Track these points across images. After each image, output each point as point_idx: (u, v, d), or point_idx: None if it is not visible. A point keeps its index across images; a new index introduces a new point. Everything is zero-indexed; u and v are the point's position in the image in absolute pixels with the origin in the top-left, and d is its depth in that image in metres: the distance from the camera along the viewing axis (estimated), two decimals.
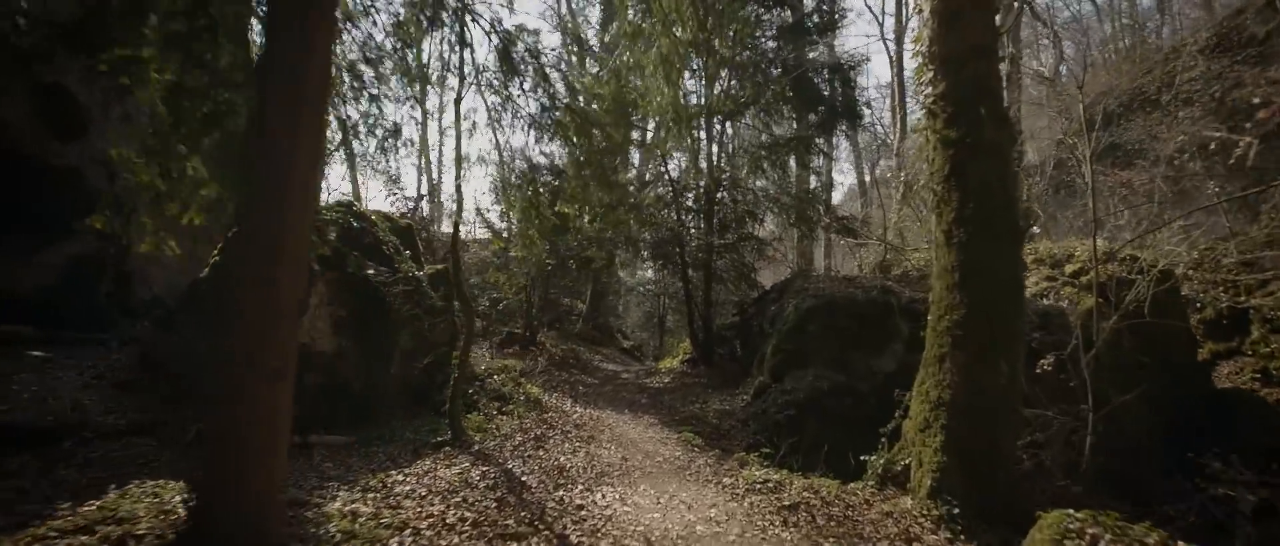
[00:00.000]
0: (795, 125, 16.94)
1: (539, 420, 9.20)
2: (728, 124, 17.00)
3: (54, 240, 10.79)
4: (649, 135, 18.22)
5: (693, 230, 17.47)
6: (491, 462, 6.96)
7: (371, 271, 9.40)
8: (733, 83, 16.07)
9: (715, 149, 16.57)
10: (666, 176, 16.99)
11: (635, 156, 19.26)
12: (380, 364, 9.60)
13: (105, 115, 11.69)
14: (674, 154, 17.20)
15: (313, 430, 8.45)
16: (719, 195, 16.38)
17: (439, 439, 7.74)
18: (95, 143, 11.48)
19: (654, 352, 25.05)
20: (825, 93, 14.54)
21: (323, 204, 10.22)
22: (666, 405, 11.44)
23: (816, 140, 16.51)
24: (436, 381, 9.93)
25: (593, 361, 17.92)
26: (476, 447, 7.58)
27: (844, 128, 15.20)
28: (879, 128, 25.21)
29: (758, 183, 16.73)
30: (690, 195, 17.00)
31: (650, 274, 27.88)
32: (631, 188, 18.19)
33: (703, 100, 16.44)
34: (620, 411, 10.87)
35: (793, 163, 15.92)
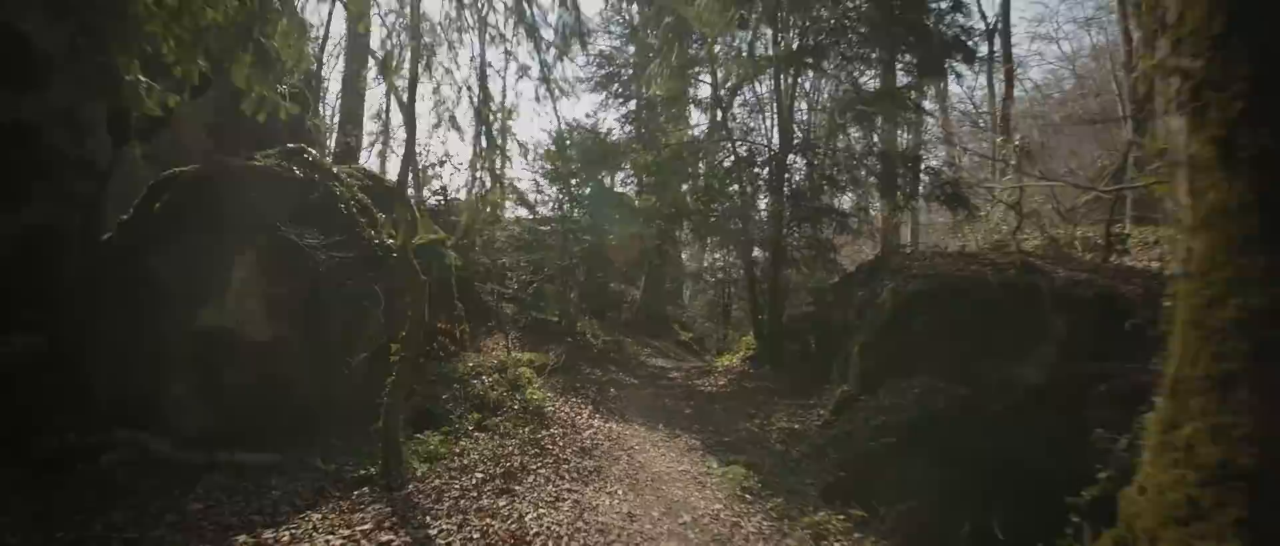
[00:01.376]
0: (883, 73, 13.63)
1: (529, 441, 6.62)
2: (801, 76, 13.87)
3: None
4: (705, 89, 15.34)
5: (761, 204, 14.49)
6: (411, 521, 4.40)
7: (319, 240, 7.05)
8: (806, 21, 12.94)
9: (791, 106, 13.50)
10: (729, 138, 14.05)
11: (695, 118, 16.34)
12: (336, 360, 7.26)
13: (73, 63, 9.91)
14: (737, 112, 14.23)
15: (234, 444, 6.21)
16: (791, 160, 13.33)
17: (365, 470, 5.27)
18: (58, 96, 9.68)
19: (717, 345, 22.14)
20: (927, 22, 11.23)
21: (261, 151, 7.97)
22: (716, 419, 8.65)
23: (911, 95, 13.15)
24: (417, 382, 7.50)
25: (638, 356, 15.23)
26: (410, 488, 5.06)
27: (954, 64, 11.77)
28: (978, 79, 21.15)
29: (839, 144, 13.53)
30: (758, 160, 14.02)
31: (717, 258, 24.95)
32: (687, 156, 15.37)
33: (769, 50, 13.39)
34: (653, 426, 8.17)
35: (880, 121, 12.68)
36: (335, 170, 7.91)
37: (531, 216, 15.84)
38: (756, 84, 14.23)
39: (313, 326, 7.12)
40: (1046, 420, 6.10)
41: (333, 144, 17.35)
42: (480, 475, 5.51)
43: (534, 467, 5.91)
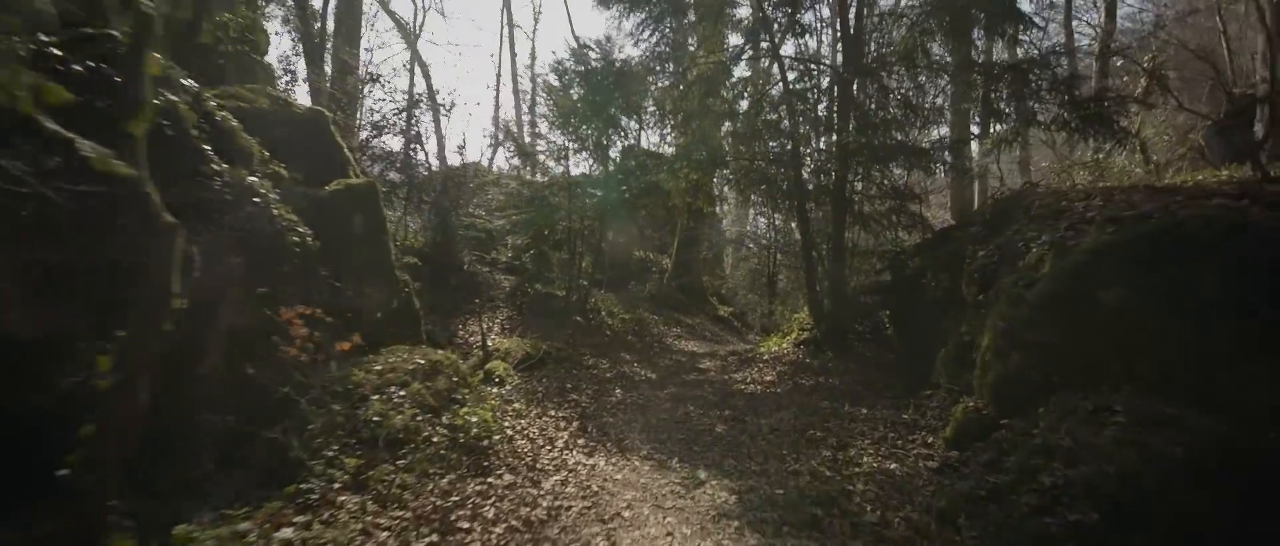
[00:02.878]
0: None
1: (432, 513, 3.72)
2: None
3: None
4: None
5: (818, 144, 11.19)
6: None
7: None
8: None
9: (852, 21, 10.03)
10: (777, 58, 10.73)
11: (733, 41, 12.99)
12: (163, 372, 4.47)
13: None
14: (783, 25, 10.80)
15: None
16: (857, 86, 9.94)
17: None
18: None
19: (761, 322, 18.95)
20: None
21: None
22: (761, 445, 5.59)
23: None
24: (292, 410, 4.61)
25: (664, 337, 12.22)
26: None
27: None
28: None
29: (919, 63, 10.02)
30: (813, 88, 10.69)
31: (762, 216, 21.59)
32: (724, 90, 12.10)
33: None
34: (664, 461, 5.18)
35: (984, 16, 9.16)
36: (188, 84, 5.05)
37: (535, 169, 12.84)
38: None
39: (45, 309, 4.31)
40: None
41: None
42: None
43: None
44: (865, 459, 5.03)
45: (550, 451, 5.19)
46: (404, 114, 11.47)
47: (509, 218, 13.09)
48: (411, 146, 11.34)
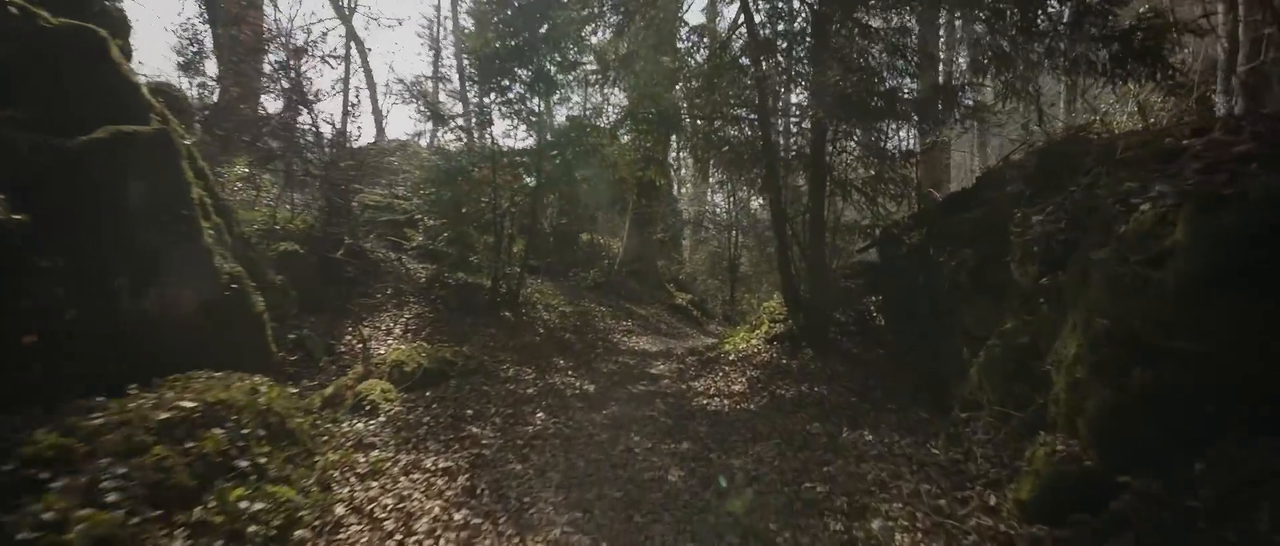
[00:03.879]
0: None
1: None
2: None
3: None
4: None
5: (788, 102, 9.31)
6: None
7: None
8: None
9: None
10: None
11: None
12: None
13: None
14: None
15: None
16: (834, 31, 8.04)
17: None
18: None
19: (722, 309, 17.16)
20: None
21: None
22: (735, 502, 3.68)
23: None
24: None
25: (611, 333, 10.25)
26: None
27: None
28: None
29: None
30: (784, 30, 8.76)
31: (719, 201, 19.74)
32: (678, 43, 10.09)
33: None
34: None
35: None
36: None
37: (461, 135, 10.57)
38: None
39: None
40: None
41: None
42: None
43: None
44: (900, 539, 3.16)
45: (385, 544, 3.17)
46: (286, 69, 9.11)
47: (425, 195, 10.89)
48: (296, 106, 9.00)
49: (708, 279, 18.98)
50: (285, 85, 8.75)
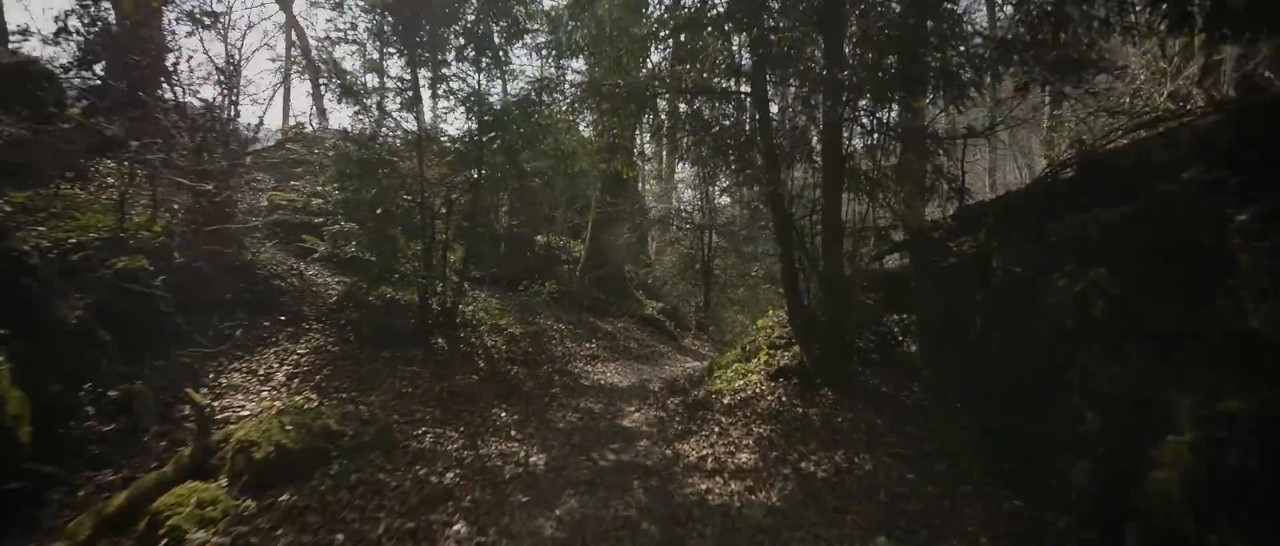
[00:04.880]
0: None
1: None
2: None
3: None
4: None
5: (797, 68, 7.42)
6: None
7: None
8: None
9: None
10: None
11: None
12: None
13: None
14: None
15: None
16: None
17: None
18: None
19: (696, 317, 15.30)
20: None
21: None
22: None
23: None
24: None
25: (572, 360, 8.27)
26: None
27: None
28: None
29: None
30: None
31: (687, 197, 17.83)
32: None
33: None
34: None
35: None
36: None
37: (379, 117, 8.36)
38: None
39: None
40: None
41: None
42: None
43: None
44: None
45: None
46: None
47: (342, 191, 8.69)
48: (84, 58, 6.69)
49: (678, 283, 17.10)
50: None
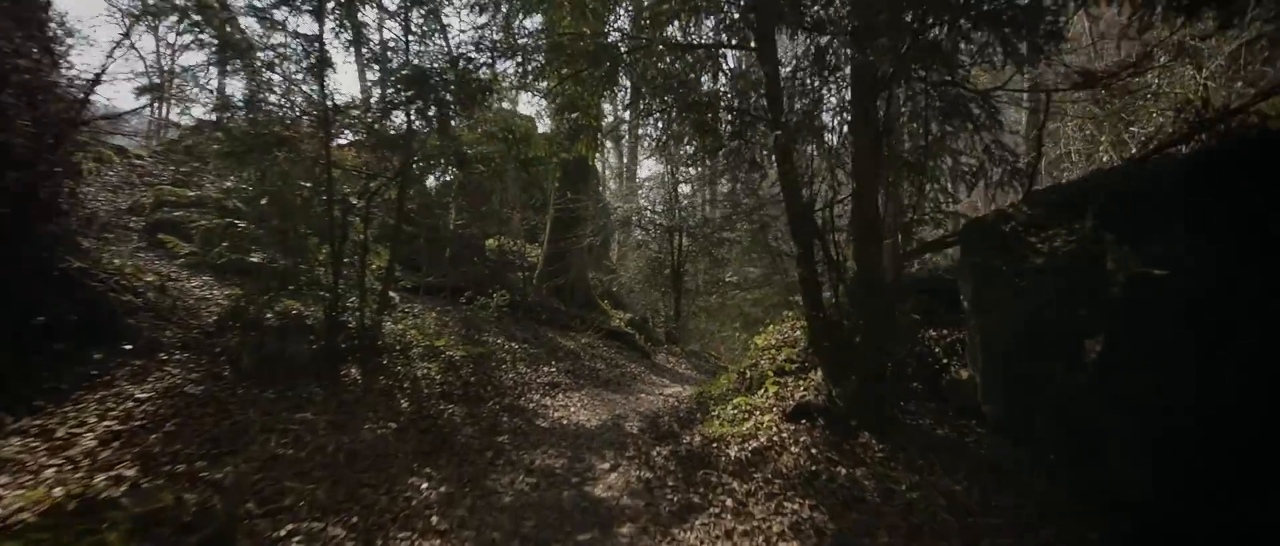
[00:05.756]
0: None
1: None
2: None
3: None
4: None
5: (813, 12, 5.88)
6: None
7: None
8: None
9: None
10: None
11: None
12: None
13: None
14: None
15: None
16: None
17: None
18: None
19: (665, 329, 13.70)
20: None
21: None
22: None
23: None
24: None
25: (526, 390, 6.53)
26: None
27: None
28: None
29: None
30: None
31: (654, 194, 16.18)
32: None
33: None
34: None
35: None
36: None
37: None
38: None
39: None
40: None
41: None
42: None
43: None
44: None
45: None
46: None
47: (237, 179, 6.78)
48: None
49: (647, 290, 15.47)
50: None
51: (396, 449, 4.43)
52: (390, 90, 5.51)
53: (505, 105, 8.62)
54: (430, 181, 10.00)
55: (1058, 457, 3.93)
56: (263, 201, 5.40)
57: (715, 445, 4.66)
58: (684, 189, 15.49)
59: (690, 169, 13.98)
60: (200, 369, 5.11)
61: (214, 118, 6.75)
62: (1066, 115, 4.94)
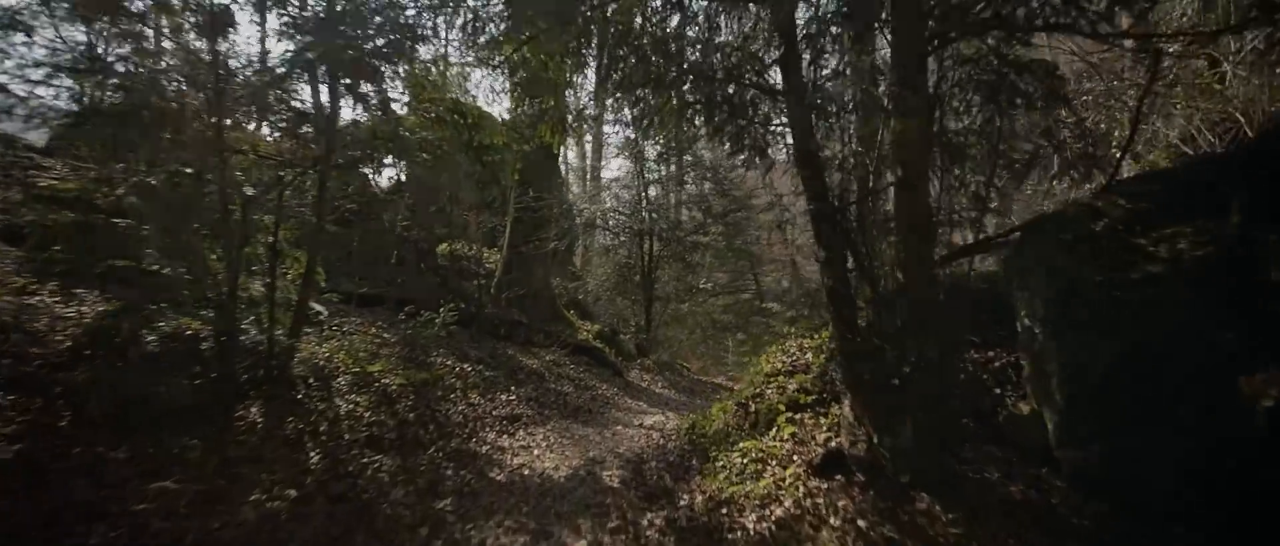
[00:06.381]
0: None
1: None
2: None
3: None
4: None
5: None
6: None
7: None
8: None
9: None
10: None
11: None
12: None
13: None
14: None
15: None
16: None
17: None
18: None
19: (636, 341, 12.52)
20: None
21: None
22: None
23: None
24: None
25: (477, 429, 5.25)
26: None
27: None
28: None
29: None
30: None
31: (613, 192, 14.96)
32: None
33: None
34: None
35: None
36: None
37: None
38: None
39: None
40: None
41: None
42: None
43: None
44: None
45: None
46: None
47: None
48: None
49: (615, 298, 14.26)
50: None
51: (290, 534, 3.15)
52: (295, 44, 4.21)
53: (453, 91, 7.37)
54: (383, 178, 8.67)
55: (1186, 528, 2.93)
56: (121, 193, 4.03)
57: (724, 511, 3.51)
58: (653, 191, 14.39)
59: (660, 168, 12.93)
60: (30, 417, 3.72)
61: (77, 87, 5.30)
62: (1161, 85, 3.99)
